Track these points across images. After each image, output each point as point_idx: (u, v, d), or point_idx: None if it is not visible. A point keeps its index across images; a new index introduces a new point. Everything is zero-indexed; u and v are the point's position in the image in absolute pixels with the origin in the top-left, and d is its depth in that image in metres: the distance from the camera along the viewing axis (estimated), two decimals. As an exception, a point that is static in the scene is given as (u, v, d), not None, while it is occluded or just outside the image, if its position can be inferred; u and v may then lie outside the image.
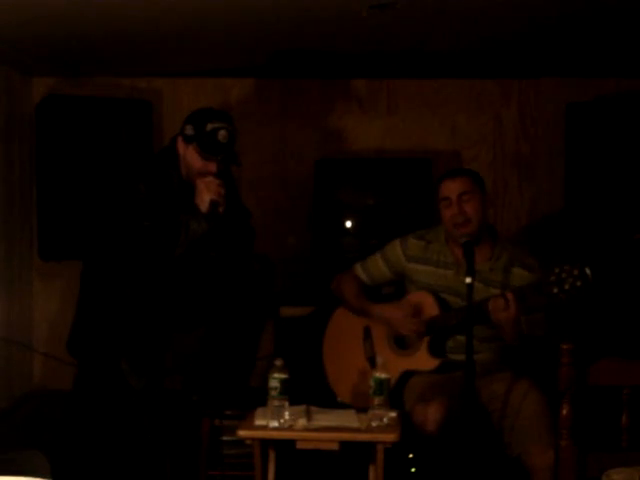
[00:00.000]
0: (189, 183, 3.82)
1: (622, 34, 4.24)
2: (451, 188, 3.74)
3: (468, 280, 3.39)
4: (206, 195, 3.67)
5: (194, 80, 5.30)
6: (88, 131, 4.98)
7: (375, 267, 3.99)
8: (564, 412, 3.18)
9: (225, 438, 4.36)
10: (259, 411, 3.54)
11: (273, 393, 3.47)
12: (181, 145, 3.80)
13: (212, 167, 3.75)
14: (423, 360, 3.80)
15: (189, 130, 3.76)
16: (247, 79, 5.35)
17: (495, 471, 3.65)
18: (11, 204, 5.03)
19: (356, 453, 3.61)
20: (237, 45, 4.55)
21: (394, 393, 3.62)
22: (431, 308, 3.80)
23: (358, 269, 4.03)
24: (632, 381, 3.19)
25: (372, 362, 3.83)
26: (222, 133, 3.72)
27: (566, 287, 3.44)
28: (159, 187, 3.75)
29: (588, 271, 3.43)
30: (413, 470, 3.91)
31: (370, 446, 3.46)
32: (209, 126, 3.72)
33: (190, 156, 3.76)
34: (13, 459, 2.96)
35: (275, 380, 3.47)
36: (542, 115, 5.31)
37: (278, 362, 3.51)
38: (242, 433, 3.46)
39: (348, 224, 5.11)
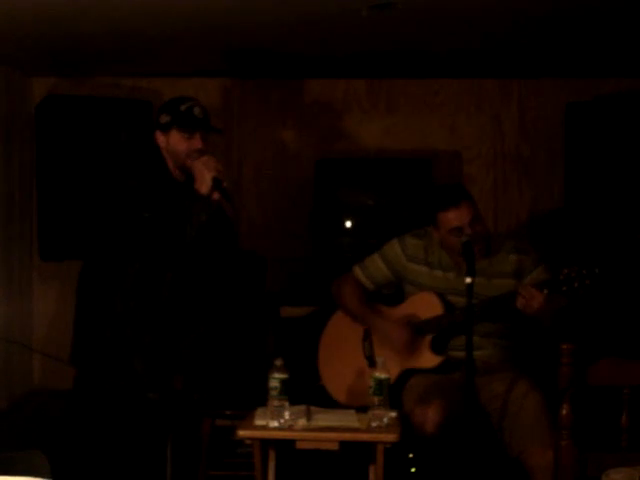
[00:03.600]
0: (177, 182, 3.81)
1: (622, 34, 4.25)
2: (460, 217, 3.71)
3: (468, 280, 3.40)
4: (207, 174, 3.68)
5: (194, 80, 5.29)
6: (88, 131, 4.97)
7: (375, 268, 3.97)
8: (564, 412, 3.17)
9: (225, 438, 4.37)
10: (259, 411, 3.54)
11: (273, 393, 3.47)
12: (161, 138, 3.80)
13: (197, 143, 3.77)
14: (425, 358, 3.80)
15: (165, 118, 3.78)
16: (247, 79, 5.35)
17: (495, 471, 3.65)
18: (11, 204, 5.03)
19: (356, 453, 3.61)
20: (237, 45, 4.56)
21: (392, 392, 3.61)
22: (435, 308, 3.80)
23: (357, 272, 4.00)
24: (632, 381, 3.18)
25: (371, 361, 3.83)
26: (196, 109, 3.78)
27: (575, 285, 3.48)
28: (150, 182, 3.75)
29: (597, 270, 3.46)
30: (413, 470, 3.91)
31: (370, 446, 3.46)
32: (182, 107, 3.77)
33: (173, 142, 3.78)
34: (13, 459, 2.96)
35: (275, 380, 3.46)
36: (542, 115, 5.31)
37: (278, 362, 3.50)
38: (242, 433, 3.45)
39: (348, 224, 5.11)
